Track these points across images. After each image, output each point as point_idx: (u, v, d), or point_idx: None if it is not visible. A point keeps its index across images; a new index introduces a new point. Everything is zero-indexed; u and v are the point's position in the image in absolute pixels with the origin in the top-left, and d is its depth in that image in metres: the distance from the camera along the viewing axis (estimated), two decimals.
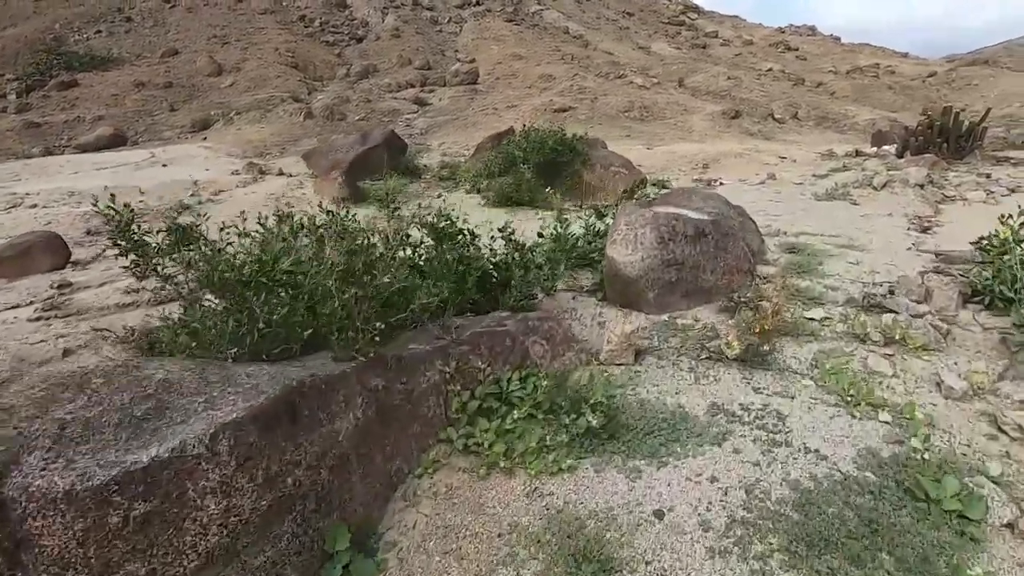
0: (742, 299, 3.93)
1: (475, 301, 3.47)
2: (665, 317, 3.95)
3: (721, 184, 11.25)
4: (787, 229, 6.86)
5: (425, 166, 13.84)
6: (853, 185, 9.72)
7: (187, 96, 25.49)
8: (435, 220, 3.45)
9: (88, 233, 8.53)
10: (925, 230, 8.16)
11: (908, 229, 8.04)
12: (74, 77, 25.67)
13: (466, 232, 3.50)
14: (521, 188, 9.53)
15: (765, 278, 4.42)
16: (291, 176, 12.79)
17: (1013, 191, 9.17)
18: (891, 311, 3.77)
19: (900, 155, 14.22)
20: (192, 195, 11.18)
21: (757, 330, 3.23)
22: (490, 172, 10.55)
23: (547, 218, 8.90)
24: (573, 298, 4.29)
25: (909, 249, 5.78)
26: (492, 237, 3.85)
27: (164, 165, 13.49)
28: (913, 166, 11.68)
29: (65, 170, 12.76)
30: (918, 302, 3.90)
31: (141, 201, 10.53)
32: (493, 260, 3.61)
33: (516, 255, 3.67)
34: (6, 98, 23.29)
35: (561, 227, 5.02)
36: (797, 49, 40.86)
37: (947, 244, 7.04)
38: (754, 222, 5.58)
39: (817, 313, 3.78)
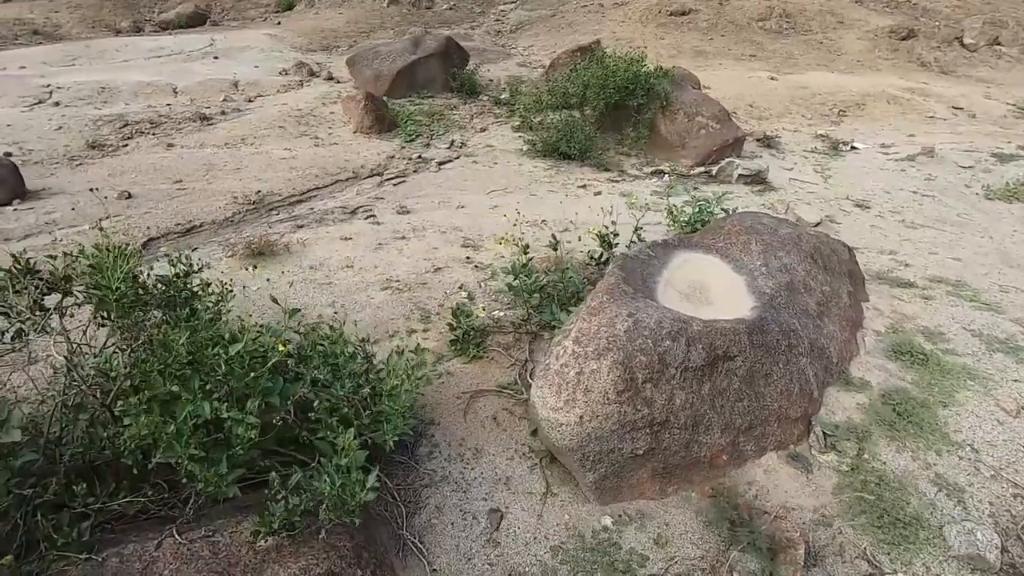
0: (749, 513, 2.19)
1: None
2: (608, 520, 2.29)
3: (853, 149, 8.42)
4: (916, 269, 4.59)
5: (491, 81, 11.86)
6: None
7: None
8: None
9: (91, 146, 7.83)
10: None
11: None
12: None
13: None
14: (573, 138, 7.52)
15: (830, 435, 2.58)
16: (338, 83, 11.40)
17: None
18: None
19: None
20: (225, 99, 10.20)
21: None
22: (544, 105, 8.51)
23: (594, 185, 6.97)
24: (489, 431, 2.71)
25: None
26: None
27: (215, 58, 12.52)
28: None
29: (118, 57, 12.17)
30: None
31: (168, 104, 9.73)
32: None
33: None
34: None
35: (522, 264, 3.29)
36: None
37: None
38: (851, 290, 3.51)
39: None
